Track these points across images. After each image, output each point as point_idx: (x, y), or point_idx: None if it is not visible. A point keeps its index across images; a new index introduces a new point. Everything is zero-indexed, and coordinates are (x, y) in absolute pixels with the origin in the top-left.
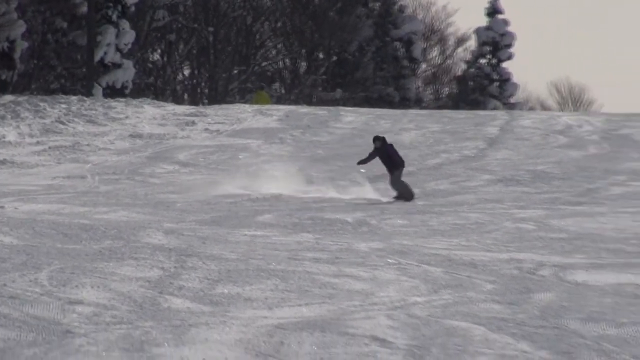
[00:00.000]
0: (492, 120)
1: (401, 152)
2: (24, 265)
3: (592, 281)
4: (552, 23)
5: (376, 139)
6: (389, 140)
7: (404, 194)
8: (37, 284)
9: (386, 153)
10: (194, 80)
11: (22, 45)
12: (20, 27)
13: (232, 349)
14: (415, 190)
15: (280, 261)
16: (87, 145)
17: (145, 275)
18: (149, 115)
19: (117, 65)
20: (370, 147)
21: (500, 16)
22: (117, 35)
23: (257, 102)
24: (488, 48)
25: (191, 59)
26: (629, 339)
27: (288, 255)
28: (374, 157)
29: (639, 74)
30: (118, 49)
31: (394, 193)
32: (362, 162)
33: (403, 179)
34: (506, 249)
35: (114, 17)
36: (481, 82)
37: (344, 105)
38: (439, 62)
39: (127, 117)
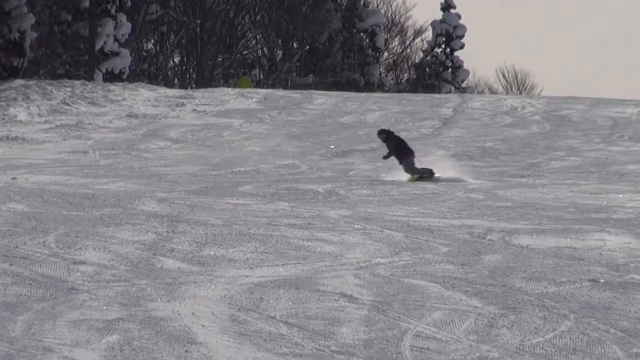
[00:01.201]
0: (446, 102)
1: (365, 130)
2: (33, 229)
3: (535, 245)
4: (499, 16)
5: (380, 133)
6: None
7: (423, 173)
8: (45, 246)
9: (393, 146)
10: (183, 67)
11: (31, 36)
12: (30, 20)
13: (218, 304)
14: (378, 164)
15: (260, 226)
16: (89, 124)
17: (140, 239)
18: (144, 98)
19: (115, 54)
20: (338, 126)
21: (453, 10)
22: (116, 27)
23: (241, 86)
24: (442, 39)
25: (181, 47)
26: (567, 296)
27: (266, 221)
28: (392, 151)
29: (575, 61)
30: (116, 39)
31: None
32: (386, 157)
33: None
34: (459, 216)
35: (113, 11)
36: (436, 69)
37: (316, 89)
38: (399, 51)
39: (124, 99)
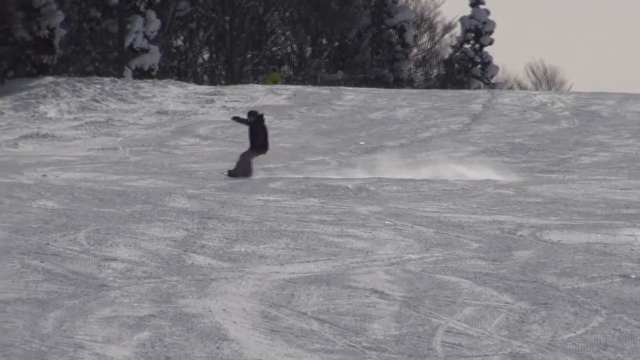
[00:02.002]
0: (476, 98)
1: (395, 127)
2: (64, 226)
3: (566, 240)
4: (528, 12)
5: (251, 114)
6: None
7: (241, 172)
8: (76, 243)
9: (255, 131)
10: (213, 63)
11: (60, 33)
12: (59, 17)
13: (249, 300)
14: (408, 160)
15: (290, 223)
16: (119, 120)
17: (171, 236)
18: (173, 94)
19: (144, 50)
20: (367, 122)
21: (482, 6)
22: (145, 24)
23: (271, 81)
24: (472, 34)
25: (210, 44)
26: (598, 291)
27: (297, 218)
28: (245, 125)
29: (604, 57)
30: (145, 36)
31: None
32: (235, 118)
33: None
34: (489, 212)
35: (142, 8)
36: (466, 65)
37: (345, 85)
38: (429, 47)
39: (154, 96)
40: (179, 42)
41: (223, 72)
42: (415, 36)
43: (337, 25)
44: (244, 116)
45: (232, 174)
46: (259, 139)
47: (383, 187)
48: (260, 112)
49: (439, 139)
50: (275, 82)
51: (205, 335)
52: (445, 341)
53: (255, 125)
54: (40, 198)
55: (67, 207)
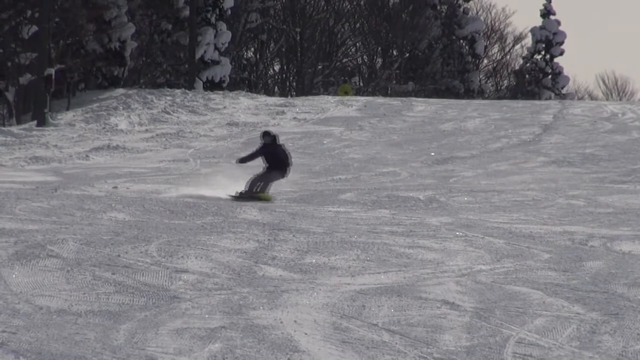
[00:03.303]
0: (547, 109)
1: (466, 137)
2: (135, 238)
3: (637, 251)
4: (599, 22)
5: (266, 134)
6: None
7: (254, 194)
8: (147, 255)
9: (273, 152)
10: (283, 75)
11: (131, 45)
12: (130, 29)
13: (320, 312)
14: (479, 171)
15: (361, 234)
16: (190, 132)
17: (242, 247)
18: (244, 106)
19: (215, 62)
20: (438, 133)
21: (552, 17)
22: (216, 36)
23: (342, 92)
24: (542, 45)
25: (281, 56)
26: None
27: (368, 229)
28: (258, 156)
29: None
30: (216, 48)
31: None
32: (243, 160)
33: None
34: (560, 223)
35: (213, 20)
36: (536, 75)
37: (416, 96)
38: (499, 57)
39: (224, 108)
40: (250, 53)
41: (294, 84)
42: (486, 47)
43: (408, 37)
44: (251, 150)
45: (242, 195)
46: (280, 160)
47: (454, 198)
48: (272, 133)
49: (510, 149)
50: (346, 93)
51: (276, 346)
52: (516, 352)
53: (272, 145)
54: (111, 210)
55: (138, 219)
